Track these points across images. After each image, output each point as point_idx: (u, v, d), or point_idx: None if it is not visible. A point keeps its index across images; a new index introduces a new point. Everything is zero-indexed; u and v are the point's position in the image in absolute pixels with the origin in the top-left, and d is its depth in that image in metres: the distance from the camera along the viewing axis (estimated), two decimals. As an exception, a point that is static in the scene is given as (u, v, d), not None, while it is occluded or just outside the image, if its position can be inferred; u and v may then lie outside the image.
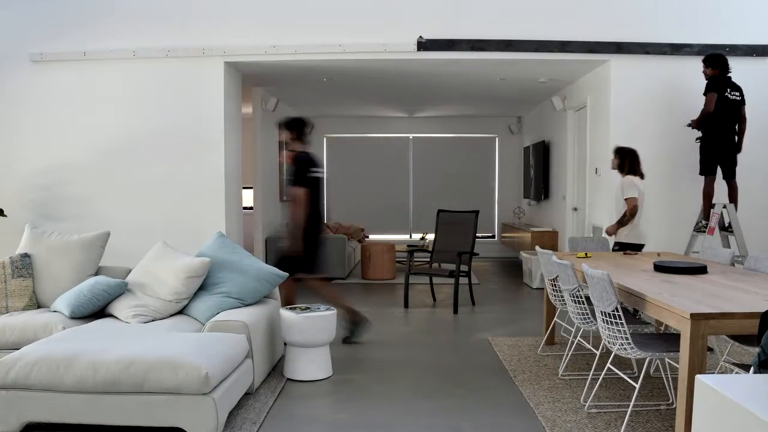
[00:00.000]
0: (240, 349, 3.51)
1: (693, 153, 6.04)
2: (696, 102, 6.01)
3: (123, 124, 6.02)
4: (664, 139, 6.05)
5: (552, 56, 5.96)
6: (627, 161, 5.20)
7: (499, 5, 5.92)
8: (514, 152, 11.15)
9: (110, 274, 4.47)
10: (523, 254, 8.21)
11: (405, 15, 5.92)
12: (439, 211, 7.04)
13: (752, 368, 1.95)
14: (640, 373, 4.11)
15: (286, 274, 4.34)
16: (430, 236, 9.76)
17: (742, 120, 5.50)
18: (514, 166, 11.15)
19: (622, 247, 5.14)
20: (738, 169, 5.49)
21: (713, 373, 3.92)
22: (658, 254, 4.85)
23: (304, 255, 4.82)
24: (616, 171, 5.33)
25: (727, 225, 5.53)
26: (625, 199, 5.09)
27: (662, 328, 4.41)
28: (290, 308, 4.14)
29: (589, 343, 4.77)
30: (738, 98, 5.45)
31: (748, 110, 5.60)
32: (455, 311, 6.29)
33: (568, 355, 4.28)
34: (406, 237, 11.14)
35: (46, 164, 6.05)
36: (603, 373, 3.70)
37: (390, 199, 11.06)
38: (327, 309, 4.15)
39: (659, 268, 3.88)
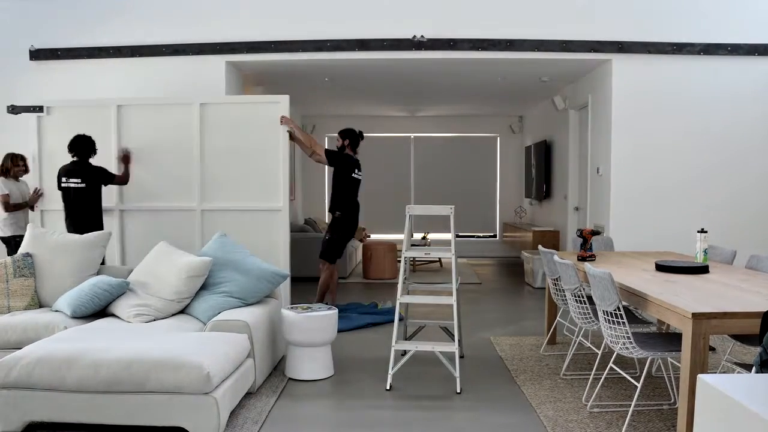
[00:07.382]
0: (241, 348, 3.51)
1: (693, 153, 6.04)
2: (697, 101, 6.01)
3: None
4: (665, 138, 6.04)
5: (553, 55, 5.96)
6: None
7: (501, 5, 5.92)
8: (516, 151, 11.15)
9: (112, 274, 4.46)
10: (525, 254, 8.20)
11: (406, 14, 5.91)
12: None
13: (754, 368, 1.95)
14: (641, 372, 4.10)
15: (287, 273, 4.33)
16: (432, 236, 9.75)
17: None
18: (515, 166, 11.14)
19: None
20: (737, 168, 5.41)
21: (715, 372, 3.92)
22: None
23: None
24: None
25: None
26: None
27: (664, 328, 4.41)
28: (291, 308, 4.14)
29: (590, 343, 4.77)
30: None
31: (748, 109, 5.56)
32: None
33: (570, 354, 4.28)
34: None
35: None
36: (605, 372, 3.70)
37: (391, 199, 11.05)
38: (327, 308, 4.15)
39: (661, 267, 3.88)
